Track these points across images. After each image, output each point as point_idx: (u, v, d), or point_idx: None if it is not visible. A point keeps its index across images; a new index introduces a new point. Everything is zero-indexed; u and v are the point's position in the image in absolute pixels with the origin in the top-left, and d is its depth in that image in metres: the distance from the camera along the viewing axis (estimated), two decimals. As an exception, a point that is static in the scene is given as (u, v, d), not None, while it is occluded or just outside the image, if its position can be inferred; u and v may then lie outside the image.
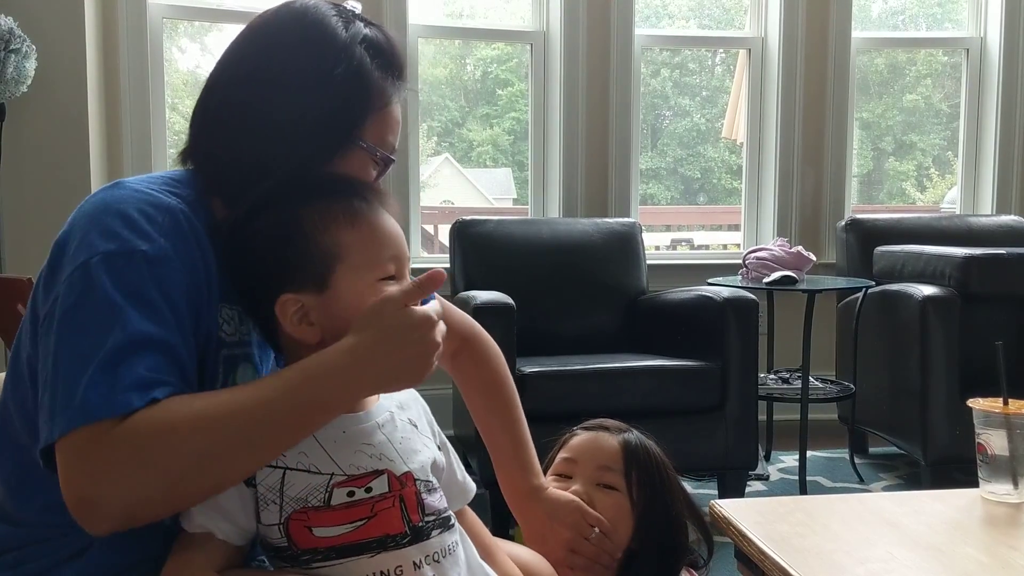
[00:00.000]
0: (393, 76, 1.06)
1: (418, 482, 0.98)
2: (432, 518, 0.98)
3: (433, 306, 0.95)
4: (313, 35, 1.02)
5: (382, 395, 1.02)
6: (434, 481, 1.01)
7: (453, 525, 1.02)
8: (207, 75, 1.06)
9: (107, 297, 0.88)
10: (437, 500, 1.00)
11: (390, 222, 1.00)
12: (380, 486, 0.95)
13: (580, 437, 1.40)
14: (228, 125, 1.01)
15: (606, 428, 1.40)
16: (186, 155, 1.05)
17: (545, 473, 1.39)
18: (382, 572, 0.93)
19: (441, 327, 0.95)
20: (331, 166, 1.02)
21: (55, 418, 0.85)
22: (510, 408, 1.36)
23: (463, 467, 1.15)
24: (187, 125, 1.07)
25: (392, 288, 0.95)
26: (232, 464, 0.88)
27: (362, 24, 1.05)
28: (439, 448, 1.07)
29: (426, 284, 0.93)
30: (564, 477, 1.37)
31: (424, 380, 0.94)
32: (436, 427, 1.11)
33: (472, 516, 1.17)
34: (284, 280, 0.96)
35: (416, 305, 0.94)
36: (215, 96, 1.03)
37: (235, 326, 1.02)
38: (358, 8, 1.09)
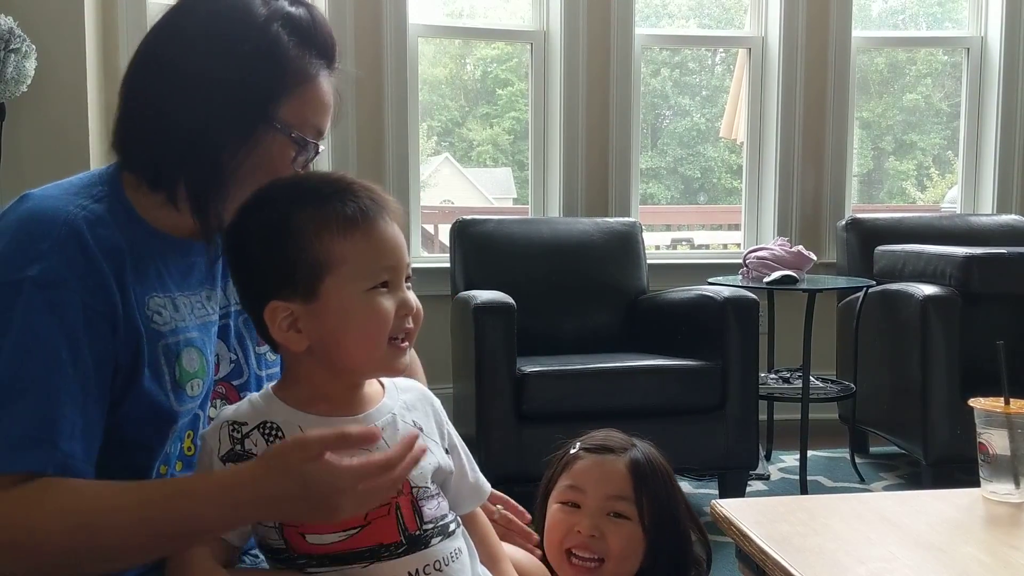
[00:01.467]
0: (313, 54, 1.02)
1: (416, 489, 0.96)
2: (431, 526, 0.96)
3: (356, 469, 0.86)
4: (227, 14, 1.00)
5: (386, 395, 1.01)
6: (433, 488, 0.99)
7: (455, 532, 1.00)
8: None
9: None
10: (436, 507, 0.98)
11: (389, 231, 0.96)
12: None
13: (585, 462, 1.34)
14: (144, 107, 1.00)
15: (611, 449, 1.34)
16: (112, 143, 1.04)
17: (545, 496, 1.36)
18: None
19: (393, 475, 0.88)
20: (247, 145, 0.99)
21: None
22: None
23: (476, 467, 1.12)
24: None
25: (313, 433, 0.87)
26: (89, 565, 0.87)
27: (286, 2, 1.02)
28: (447, 451, 1.04)
29: (352, 440, 0.87)
30: (572, 506, 1.32)
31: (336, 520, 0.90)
32: (448, 427, 1.07)
33: (482, 520, 1.14)
34: (273, 287, 0.94)
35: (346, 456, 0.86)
36: (132, 78, 1.02)
37: (169, 313, 1.00)
38: None
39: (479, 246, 3.16)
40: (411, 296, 0.98)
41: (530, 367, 2.59)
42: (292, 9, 1.02)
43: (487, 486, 1.12)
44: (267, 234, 0.94)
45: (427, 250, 3.98)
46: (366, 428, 0.90)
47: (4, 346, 0.87)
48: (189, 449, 1.03)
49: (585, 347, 2.98)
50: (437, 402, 1.08)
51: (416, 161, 3.64)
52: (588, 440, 1.38)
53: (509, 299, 2.61)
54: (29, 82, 2.85)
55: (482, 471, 1.12)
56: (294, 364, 0.99)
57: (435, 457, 1.01)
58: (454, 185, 6.14)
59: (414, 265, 3.69)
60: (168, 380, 0.98)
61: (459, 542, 1.00)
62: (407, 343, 0.98)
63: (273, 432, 0.94)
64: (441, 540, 0.97)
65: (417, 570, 0.94)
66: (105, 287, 0.93)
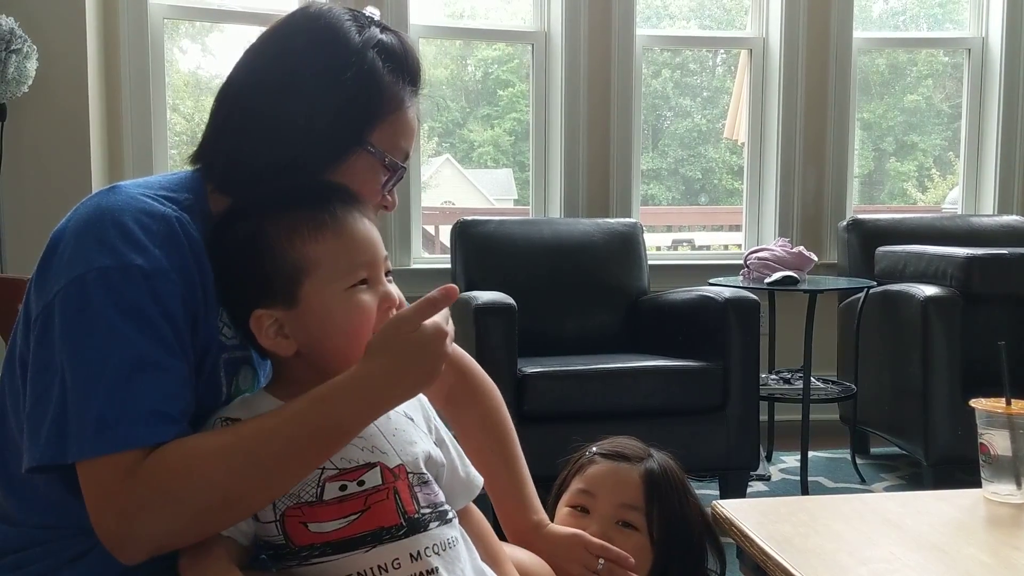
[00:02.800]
0: (406, 81, 1.05)
1: (411, 475, 0.98)
2: (429, 510, 0.98)
3: (443, 315, 0.95)
4: (325, 39, 1.02)
5: None
6: (428, 474, 1.00)
7: (452, 520, 1.01)
8: (222, 77, 1.08)
9: (106, 317, 0.88)
10: (433, 493, 1.00)
11: (360, 227, 0.98)
12: (373, 479, 0.95)
13: (599, 468, 1.33)
14: (241, 127, 1.01)
15: (626, 457, 1.33)
16: (197, 155, 1.05)
17: (557, 497, 1.35)
18: (379, 566, 0.93)
19: (450, 332, 0.95)
20: (339, 170, 1.01)
21: (67, 441, 0.86)
22: (508, 444, 1.32)
23: (468, 461, 1.13)
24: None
25: (405, 309, 0.94)
26: (255, 495, 0.90)
27: (377, 29, 1.05)
28: (436, 444, 1.06)
29: (439, 301, 0.93)
30: (581, 511, 1.31)
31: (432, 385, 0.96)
32: (436, 422, 1.10)
33: (479, 518, 1.15)
34: (256, 295, 0.96)
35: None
36: (230, 98, 1.04)
37: (233, 329, 1.02)
38: (376, 14, 1.09)
39: (480, 247, 3.16)
40: (393, 289, 1.00)
41: (531, 368, 2.59)
42: (383, 36, 1.05)
43: (479, 480, 1.14)
44: (242, 247, 0.96)
45: (428, 251, 3.98)
46: (445, 285, 0.94)
47: (123, 327, 0.89)
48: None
49: (586, 348, 2.98)
50: (423, 396, 1.09)
51: (417, 162, 3.64)
52: (605, 445, 1.37)
53: (510, 300, 2.61)
54: (30, 82, 2.86)
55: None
56: (284, 366, 1.00)
57: (425, 446, 1.02)
58: (455, 186, 6.13)
59: (416, 267, 3.70)
60: (224, 392, 1.01)
61: (456, 531, 1.01)
62: None
63: None
64: (439, 525, 0.98)
65: (419, 551, 0.95)
66: (193, 282, 0.95)
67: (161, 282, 0.91)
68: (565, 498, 1.34)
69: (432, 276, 3.49)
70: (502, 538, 1.22)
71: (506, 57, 4.66)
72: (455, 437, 1.34)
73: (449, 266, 3.24)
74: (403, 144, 1.06)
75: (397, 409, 1.00)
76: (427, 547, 0.96)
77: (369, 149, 1.02)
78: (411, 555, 0.95)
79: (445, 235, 3.89)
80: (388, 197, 1.08)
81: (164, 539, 0.89)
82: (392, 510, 0.95)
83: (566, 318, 3.11)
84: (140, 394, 0.87)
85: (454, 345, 1.35)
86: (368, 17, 1.07)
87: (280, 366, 1.02)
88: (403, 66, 1.05)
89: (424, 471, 1.00)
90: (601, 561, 1.25)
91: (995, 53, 3.95)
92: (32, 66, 2.85)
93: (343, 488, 0.94)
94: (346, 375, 0.91)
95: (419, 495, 0.98)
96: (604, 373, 2.65)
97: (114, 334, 0.88)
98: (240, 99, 1.03)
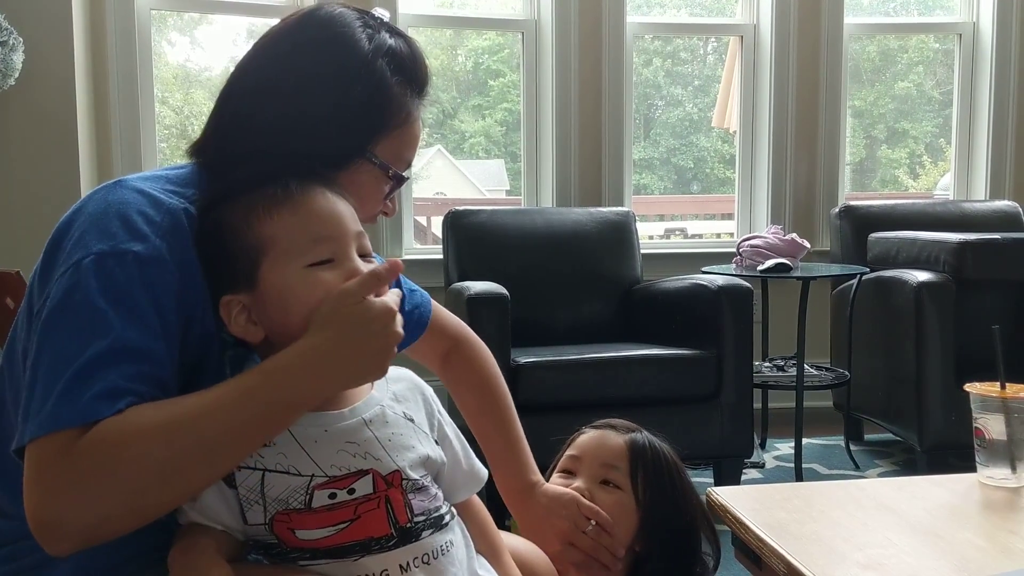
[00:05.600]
0: (414, 92, 1.04)
1: (406, 482, 0.95)
2: (422, 518, 0.95)
3: (393, 295, 0.92)
4: (336, 46, 1.01)
5: (375, 388, 1.00)
6: (421, 480, 0.97)
7: (447, 524, 0.99)
8: (211, 69, 1.06)
9: (91, 302, 0.87)
10: (428, 500, 0.97)
11: (320, 201, 0.94)
12: (364, 487, 0.92)
13: (586, 435, 1.38)
14: (243, 128, 1.00)
15: (613, 427, 1.38)
16: (199, 149, 1.04)
17: (551, 471, 1.38)
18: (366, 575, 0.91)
19: (400, 317, 0.92)
20: (341, 177, 1.00)
21: (28, 422, 0.84)
22: (503, 407, 1.34)
23: (472, 453, 1.11)
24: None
25: (350, 281, 0.90)
26: (195, 471, 0.86)
27: (387, 35, 1.04)
28: (439, 441, 1.04)
29: (384, 275, 0.90)
30: (568, 474, 1.35)
31: (386, 372, 0.93)
32: (440, 417, 1.06)
33: (480, 510, 1.13)
34: (221, 282, 0.94)
35: (376, 296, 0.90)
36: (235, 96, 1.03)
37: (216, 322, 1.00)
38: (386, 16, 1.08)
39: (472, 237, 3.15)
40: (364, 266, 0.94)
41: (524, 357, 2.58)
42: (392, 42, 1.04)
43: (483, 472, 1.12)
44: (207, 235, 0.94)
45: (420, 242, 3.97)
46: (391, 260, 0.91)
47: (107, 310, 0.87)
48: None
49: (579, 337, 2.98)
50: (429, 390, 1.06)
51: (408, 153, 3.62)
52: (596, 422, 1.41)
53: (502, 290, 2.61)
54: (17, 75, 2.83)
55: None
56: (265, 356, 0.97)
57: (424, 448, 0.99)
58: (447, 177, 6.12)
59: (407, 257, 3.70)
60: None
61: (452, 535, 0.99)
62: None
63: None
64: (432, 533, 0.96)
65: (408, 563, 0.93)
66: (196, 277, 0.94)
67: (156, 271, 0.90)
68: (557, 467, 1.38)
69: (424, 267, 3.49)
70: (497, 512, 1.21)
71: (496, 47, 4.65)
72: (452, 397, 1.34)
73: (441, 257, 3.23)
74: (407, 155, 1.06)
75: (396, 410, 0.98)
76: (416, 557, 0.94)
77: (373, 160, 1.02)
78: (400, 566, 0.93)
79: (437, 226, 3.88)
80: (389, 204, 1.07)
81: (96, 524, 0.83)
82: (383, 520, 0.92)
83: (559, 308, 3.11)
84: (104, 379, 0.85)
85: (447, 312, 1.35)
86: (379, 20, 1.06)
87: (264, 357, 0.98)
88: (412, 76, 1.04)
89: (420, 478, 0.97)
90: (592, 522, 1.27)
91: (986, 38, 3.95)
92: (18, 59, 2.82)
93: (332, 496, 0.91)
94: (291, 348, 0.88)
95: (413, 503, 0.95)
96: (598, 362, 2.64)
97: (95, 319, 0.87)
98: (246, 98, 1.01)
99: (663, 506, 1.31)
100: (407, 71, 1.04)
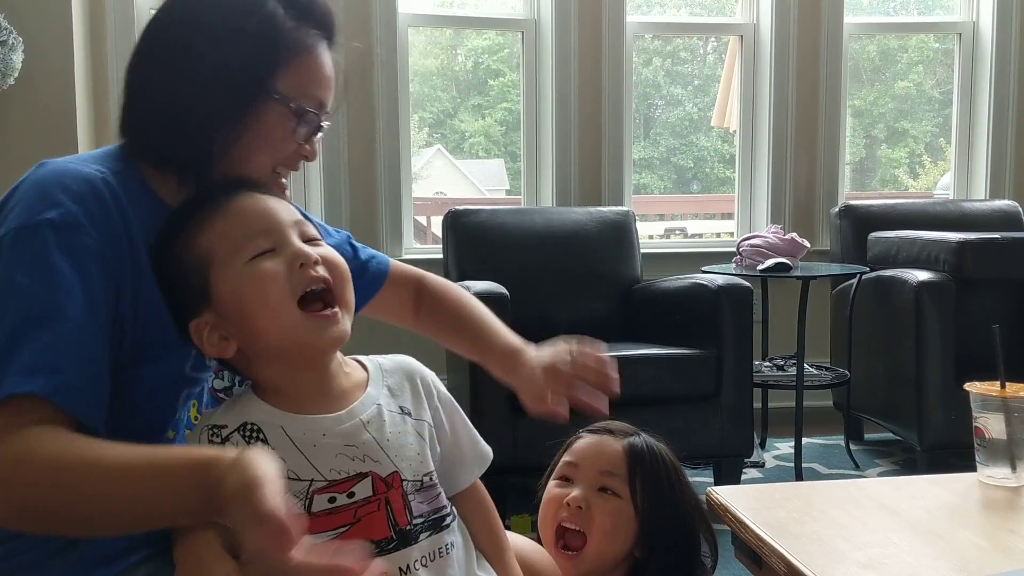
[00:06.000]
0: (310, 26, 1.03)
1: (406, 483, 0.94)
2: (421, 520, 0.95)
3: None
4: None
5: (370, 383, 0.99)
6: (422, 480, 0.96)
7: (449, 525, 0.98)
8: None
9: (7, 275, 0.88)
10: (428, 501, 0.96)
11: (247, 202, 0.95)
12: (364, 490, 0.92)
13: (584, 440, 1.36)
14: (151, 88, 1.02)
15: (611, 432, 1.36)
16: (119, 129, 1.06)
17: (548, 476, 1.36)
18: None
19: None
20: (247, 121, 1.00)
21: None
22: (480, 315, 1.29)
23: (476, 433, 1.08)
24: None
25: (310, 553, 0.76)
26: (91, 522, 0.84)
27: None
28: (436, 427, 1.02)
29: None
30: (565, 480, 1.33)
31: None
32: (438, 400, 1.04)
33: (486, 504, 1.09)
34: (185, 312, 0.94)
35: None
36: (137, 58, 1.04)
37: (192, 350, 1.01)
38: None
39: (472, 237, 3.15)
40: (306, 248, 0.94)
41: (524, 357, 2.58)
42: None
43: (487, 451, 1.10)
44: (161, 274, 0.95)
45: (420, 242, 3.97)
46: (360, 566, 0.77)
47: (22, 282, 0.87)
48: (195, 419, 1.04)
49: (579, 336, 2.97)
50: (424, 374, 1.05)
51: (408, 153, 3.63)
52: (593, 425, 1.39)
53: (503, 289, 2.60)
54: (17, 74, 2.83)
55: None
56: (251, 371, 0.97)
57: (423, 440, 0.99)
58: (446, 177, 6.12)
59: (407, 257, 3.67)
60: (192, 355, 1.00)
61: (453, 536, 0.99)
62: (331, 312, 0.93)
63: (254, 434, 0.93)
64: (431, 535, 0.96)
65: (408, 566, 0.93)
66: (119, 242, 0.93)
67: (72, 234, 0.90)
68: (552, 474, 1.36)
69: (424, 266, 3.46)
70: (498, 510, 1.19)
71: (496, 46, 4.64)
72: (437, 339, 1.29)
73: (441, 256, 3.23)
74: (316, 91, 1.03)
75: (392, 407, 0.98)
76: (416, 560, 0.93)
77: (274, 96, 1.00)
78: (400, 569, 0.92)
79: (437, 226, 3.88)
80: (307, 147, 1.05)
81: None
82: (383, 523, 0.92)
83: (559, 307, 3.11)
84: (20, 353, 0.84)
85: (407, 265, 1.32)
86: None
87: (248, 371, 0.98)
88: (308, 12, 1.03)
89: (420, 478, 0.96)
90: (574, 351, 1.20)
91: (986, 37, 3.95)
92: (18, 58, 2.82)
93: (332, 500, 0.91)
94: (233, 480, 0.79)
95: (413, 504, 0.94)
96: (597, 362, 2.63)
97: (11, 290, 0.87)
98: (147, 63, 1.03)
99: (662, 511, 1.30)
100: (302, 8, 1.03)
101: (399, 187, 3.54)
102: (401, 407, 0.99)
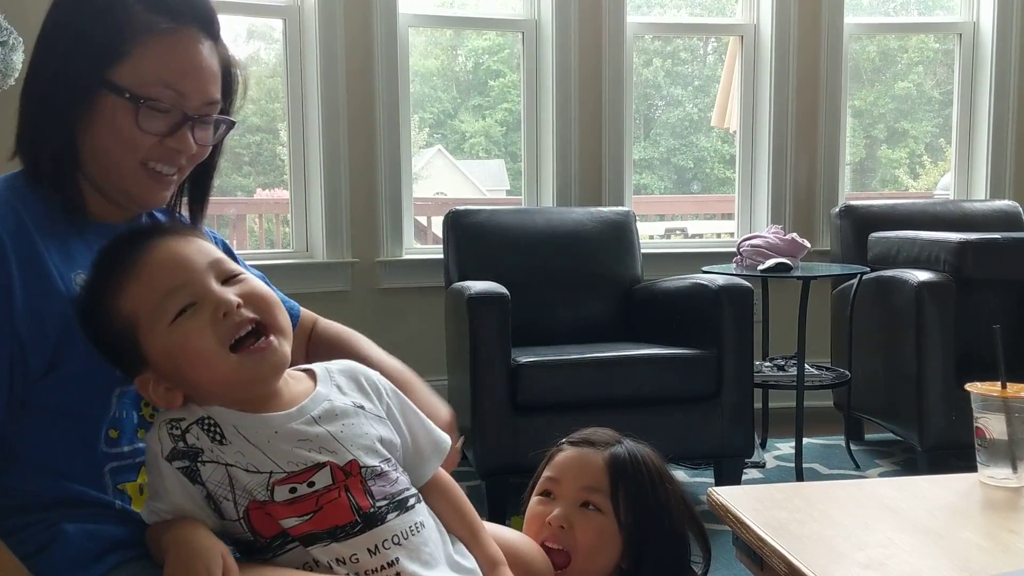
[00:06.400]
0: (164, 13, 1.00)
1: (364, 468, 0.96)
2: (385, 502, 0.96)
3: None
4: None
5: (319, 383, 1.00)
6: (380, 466, 0.97)
7: (414, 506, 0.99)
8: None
9: None
10: (389, 483, 0.98)
11: (158, 256, 0.94)
12: (323, 479, 0.93)
13: (565, 454, 1.33)
14: (22, 99, 1.05)
15: (592, 443, 1.32)
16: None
17: (531, 491, 1.34)
18: (338, 559, 0.93)
19: None
20: (91, 117, 0.99)
21: None
22: (364, 345, 1.24)
23: (429, 423, 1.08)
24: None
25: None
26: None
27: None
28: (388, 419, 1.03)
29: None
30: (547, 496, 1.31)
31: None
32: (389, 396, 1.05)
33: (453, 490, 1.10)
34: (125, 370, 0.96)
35: None
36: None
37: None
38: None
39: (472, 237, 3.15)
40: (226, 294, 0.93)
41: (524, 357, 2.58)
42: None
43: (446, 440, 1.10)
44: (93, 335, 0.95)
45: (420, 242, 3.97)
46: None
47: None
48: (150, 417, 1.03)
49: (580, 337, 2.97)
50: (370, 373, 1.06)
51: (408, 153, 3.63)
52: (574, 435, 1.36)
53: (503, 289, 2.60)
54: (17, 75, 2.83)
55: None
56: (206, 403, 0.97)
57: (377, 430, 1.00)
58: (447, 177, 6.12)
59: (407, 257, 3.66)
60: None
61: (421, 516, 1.00)
62: (265, 343, 0.94)
63: (212, 427, 0.94)
64: (398, 515, 0.97)
65: (376, 546, 0.94)
66: (5, 257, 0.93)
67: None
68: (535, 488, 1.34)
69: (425, 267, 3.49)
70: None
71: (496, 47, 4.65)
72: None
73: (442, 256, 3.23)
74: (170, 80, 0.99)
75: (345, 400, 0.99)
76: (385, 540, 0.95)
77: (112, 87, 0.98)
78: (368, 550, 0.94)
79: (437, 226, 3.88)
80: (171, 141, 1.01)
81: None
82: (346, 508, 0.94)
83: (559, 307, 3.11)
84: None
85: (306, 312, 1.28)
86: None
87: (202, 403, 0.97)
88: (163, 1, 1.01)
89: (378, 463, 0.97)
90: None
91: (986, 37, 3.95)
92: (18, 58, 2.82)
93: (292, 491, 0.93)
94: None
95: (373, 489, 0.96)
96: (598, 362, 2.64)
97: None
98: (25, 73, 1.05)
99: (647, 523, 1.27)
100: None
101: (400, 187, 3.54)
102: (353, 402, 1.00)
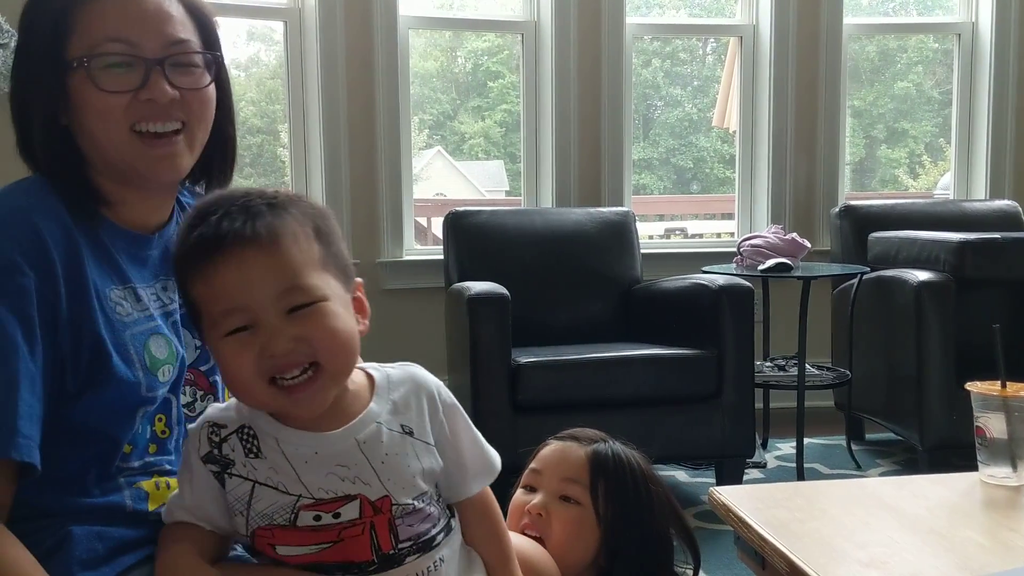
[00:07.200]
0: None
1: (396, 507, 0.92)
2: (408, 543, 0.93)
3: None
4: None
5: (374, 398, 0.96)
6: (414, 503, 0.94)
7: (438, 544, 0.96)
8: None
9: None
10: (418, 522, 0.94)
11: (225, 274, 0.88)
12: (350, 512, 0.91)
13: (549, 447, 1.35)
14: (11, 107, 1.03)
15: (577, 439, 1.34)
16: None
17: (517, 485, 1.35)
18: None
19: None
20: (74, 103, 0.97)
21: None
22: None
23: (484, 442, 1.05)
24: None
25: None
26: None
27: None
28: (438, 443, 0.98)
29: None
30: (529, 489, 1.33)
31: None
32: (445, 413, 1.00)
33: (492, 512, 1.06)
34: (198, 329, 0.97)
35: None
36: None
37: (131, 304, 1.00)
38: None
39: (472, 237, 3.15)
40: (278, 335, 0.88)
41: (525, 357, 2.58)
42: None
43: (497, 462, 1.06)
44: (179, 278, 0.95)
45: (420, 243, 3.97)
46: None
47: None
48: (163, 432, 1.03)
49: (580, 337, 2.98)
50: (431, 387, 1.00)
51: (408, 155, 3.63)
52: (563, 432, 1.38)
53: (503, 289, 2.61)
54: (17, 78, 2.83)
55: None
56: None
57: (422, 462, 0.96)
58: (446, 178, 6.12)
59: (407, 258, 3.65)
60: (139, 367, 0.98)
61: (443, 551, 0.97)
62: (305, 386, 0.89)
63: (250, 438, 0.92)
64: (418, 557, 0.94)
65: None
66: (53, 276, 0.93)
67: (9, 278, 0.90)
68: (520, 481, 1.36)
69: (425, 267, 3.49)
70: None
71: (496, 48, 4.65)
72: None
73: (442, 257, 3.23)
74: (114, 32, 0.96)
75: (393, 425, 0.94)
76: None
77: (71, 65, 0.96)
78: None
79: (437, 227, 3.88)
80: (144, 91, 0.97)
81: None
82: (365, 546, 0.91)
83: (560, 307, 3.11)
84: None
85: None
86: None
87: None
88: None
89: (411, 501, 0.93)
90: None
91: (985, 38, 3.95)
92: (18, 61, 2.82)
93: (317, 519, 0.90)
94: None
95: (399, 528, 0.93)
96: (598, 362, 2.64)
97: None
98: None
99: (626, 520, 1.28)
100: None
101: (400, 188, 3.54)
102: (403, 425, 0.96)
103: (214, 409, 0.97)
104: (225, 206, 0.90)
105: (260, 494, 0.90)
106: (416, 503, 0.94)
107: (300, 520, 0.90)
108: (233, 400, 0.97)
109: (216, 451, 0.93)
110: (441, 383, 1.03)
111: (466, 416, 1.04)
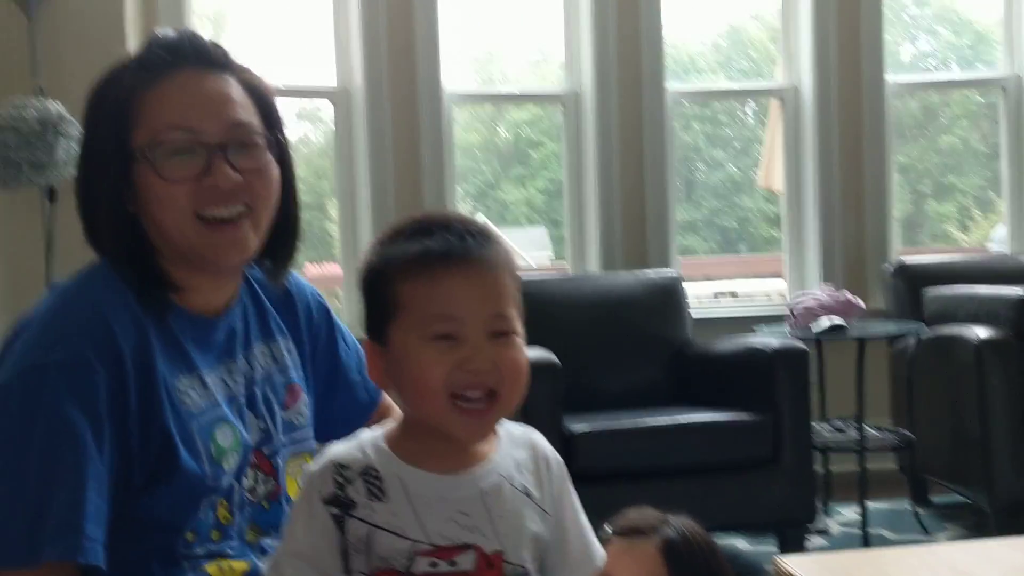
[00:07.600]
0: (147, 68, 1.00)
1: (508, 565, 0.91)
2: None
3: None
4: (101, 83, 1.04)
5: (498, 450, 0.95)
6: (523, 567, 0.93)
7: None
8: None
9: (26, 432, 0.89)
10: None
11: (450, 284, 0.89)
12: (465, 562, 0.90)
13: (614, 548, 1.29)
14: (82, 191, 1.05)
15: (641, 531, 1.30)
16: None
17: None
18: None
19: None
20: (140, 193, 0.99)
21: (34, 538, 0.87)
22: None
23: (591, 532, 1.02)
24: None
25: None
26: None
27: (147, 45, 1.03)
28: (550, 513, 0.97)
29: None
30: None
31: None
32: (563, 490, 0.99)
33: None
34: (370, 326, 0.94)
35: None
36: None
37: (198, 393, 1.00)
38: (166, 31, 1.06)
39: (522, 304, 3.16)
40: (481, 354, 0.89)
41: (578, 425, 2.56)
42: (143, 49, 1.04)
43: (599, 555, 1.02)
44: (365, 274, 0.94)
45: (468, 312, 3.99)
46: None
47: (35, 434, 0.89)
48: (225, 519, 1.02)
49: (631, 402, 2.95)
50: (549, 456, 0.99)
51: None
52: (618, 523, 1.32)
53: (553, 357, 2.60)
54: (79, 164, 2.94)
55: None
56: (407, 413, 0.96)
57: (536, 526, 0.95)
58: (491, 246, 6.19)
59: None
60: (205, 458, 0.98)
61: None
62: (480, 412, 0.90)
63: (375, 481, 0.91)
64: None
65: None
66: (123, 370, 0.94)
67: (79, 376, 0.91)
68: None
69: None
70: None
71: (536, 118, 4.74)
72: None
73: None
74: (172, 120, 0.98)
75: (515, 482, 0.94)
76: None
77: (135, 156, 0.98)
78: None
79: (484, 295, 3.90)
80: (208, 178, 0.98)
81: None
82: None
83: (610, 372, 3.09)
84: (53, 514, 0.87)
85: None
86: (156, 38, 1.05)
87: (404, 414, 0.96)
88: (145, 59, 1.01)
89: (521, 564, 0.93)
90: None
91: (1031, 90, 3.92)
92: (80, 148, 2.93)
93: (433, 565, 0.89)
94: None
95: None
96: (653, 430, 2.61)
97: (28, 446, 0.89)
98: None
99: None
100: (143, 58, 1.01)
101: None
102: (523, 486, 0.95)
103: (339, 448, 0.95)
104: (446, 224, 0.93)
105: (378, 538, 0.89)
106: (526, 567, 0.93)
107: (416, 566, 0.89)
108: (356, 440, 0.96)
109: (341, 492, 0.91)
110: (557, 455, 1.01)
111: (578, 500, 1.02)
